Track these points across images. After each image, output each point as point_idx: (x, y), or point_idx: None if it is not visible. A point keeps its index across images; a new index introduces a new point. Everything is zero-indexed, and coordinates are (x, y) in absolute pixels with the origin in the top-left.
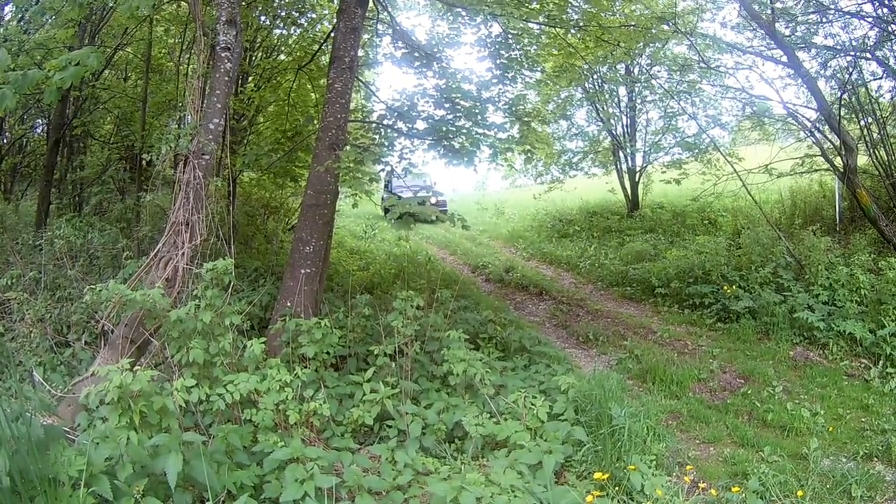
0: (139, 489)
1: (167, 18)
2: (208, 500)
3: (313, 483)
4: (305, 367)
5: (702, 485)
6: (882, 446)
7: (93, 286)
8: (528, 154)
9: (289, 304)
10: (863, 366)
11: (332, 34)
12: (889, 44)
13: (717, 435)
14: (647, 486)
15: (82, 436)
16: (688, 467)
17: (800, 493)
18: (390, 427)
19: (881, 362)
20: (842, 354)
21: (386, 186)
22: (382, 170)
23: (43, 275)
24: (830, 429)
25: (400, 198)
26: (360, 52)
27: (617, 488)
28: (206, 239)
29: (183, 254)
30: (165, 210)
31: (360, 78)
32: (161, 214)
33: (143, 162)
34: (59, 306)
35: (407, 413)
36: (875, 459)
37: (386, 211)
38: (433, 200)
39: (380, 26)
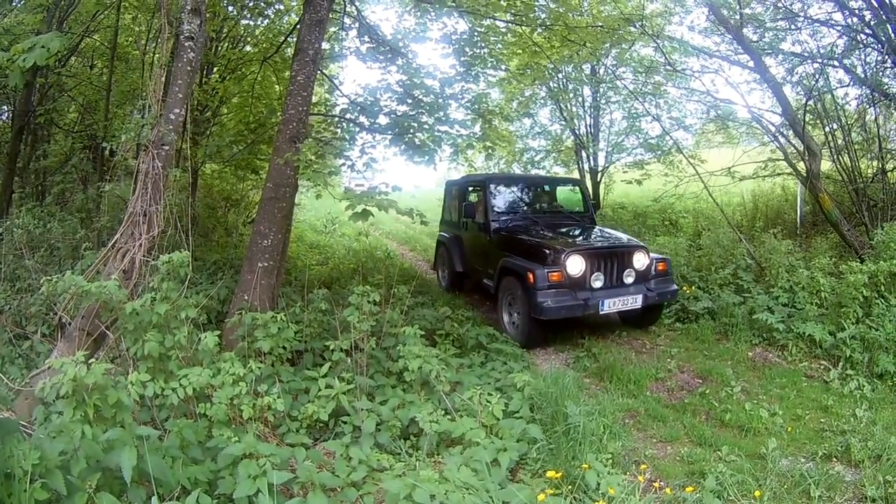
0: (92, 484)
1: (135, 6)
2: (162, 495)
3: (266, 479)
4: (261, 362)
5: (656, 484)
6: (841, 447)
7: (49, 277)
8: (489, 151)
9: (246, 297)
10: (822, 367)
11: (298, 26)
12: (857, 52)
13: (674, 434)
14: (603, 484)
15: (39, 429)
16: (643, 466)
17: (757, 492)
18: (345, 423)
19: (841, 364)
20: (801, 356)
21: None
22: (343, 164)
23: (2, 265)
24: (789, 429)
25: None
26: (326, 45)
27: (571, 486)
28: (164, 231)
29: (140, 245)
30: (125, 201)
31: (325, 71)
32: (121, 205)
33: (106, 151)
34: (17, 298)
35: (362, 409)
36: (834, 460)
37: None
38: None
39: (346, 19)
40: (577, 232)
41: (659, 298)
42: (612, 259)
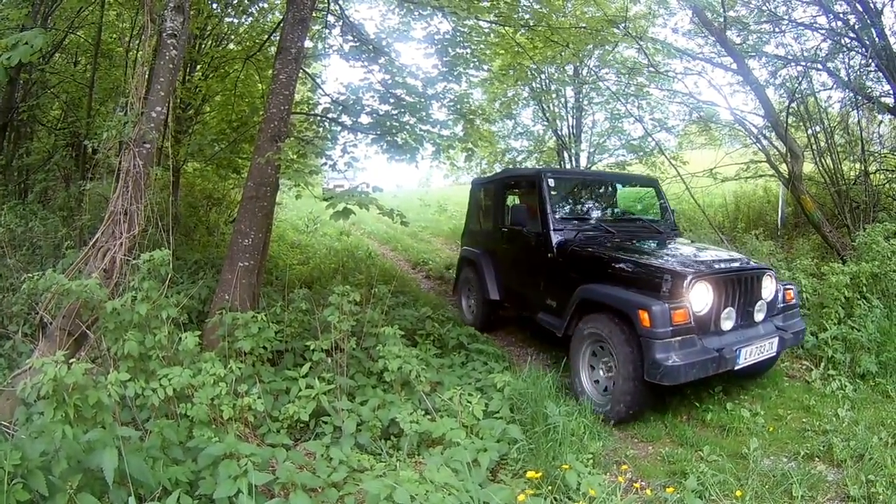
0: (73, 485)
1: (119, 2)
2: (143, 496)
3: (247, 479)
4: (242, 362)
5: (637, 484)
6: (823, 446)
7: (30, 276)
8: (470, 152)
9: (226, 297)
10: (804, 368)
11: (281, 24)
12: (841, 56)
13: (655, 434)
14: (583, 484)
15: (20, 430)
16: (624, 466)
17: (739, 492)
18: (326, 423)
19: (822, 364)
20: (783, 356)
21: None
22: (325, 163)
23: None
24: (771, 429)
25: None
26: (309, 44)
27: (551, 487)
28: (146, 229)
29: (121, 244)
30: (107, 199)
31: (307, 70)
32: (103, 203)
33: (89, 149)
34: None
35: (342, 409)
36: (816, 459)
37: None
38: None
39: (330, 18)
40: (678, 248)
41: (793, 341)
42: (740, 287)
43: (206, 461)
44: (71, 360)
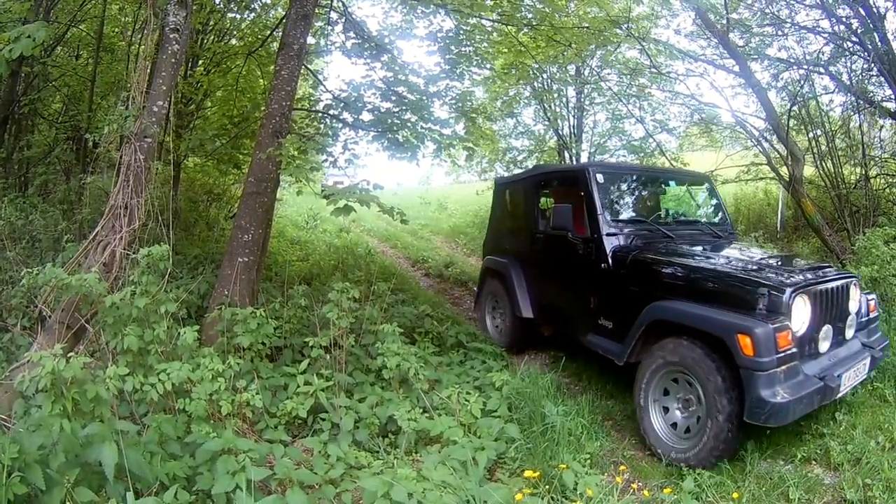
0: (71, 479)
1: None
2: (140, 491)
3: (244, 475)
4: (240, 358)
5: (634, 485)
6: (820, 449)
7: (30, 270)
8: (470, 151)
9: (226, 292)
10: None
11: (284, 20)
12: (843, 59)
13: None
14: (580, 484)
15: (18, 423)
16: (621, 467)
17: (735, 494)
18: (324, 420)
19: None
20: None
21: None
22: (325, 160)
23: None
24: (767, 431)
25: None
26: (311, 40)
27: (548, 486)
28: (146, 224)
29: (121, 238)
30: (108, 193)
31: (309, 66)
32: (104, 197)
33: (89, 143)
34: None
35: (340, 406)
36: (813, 462)
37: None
38: None
39: (333, 14)
40: (753, 254)
41: (880, 359)
42: (832, 299)
43: (204, 456)
44: (69, 354)
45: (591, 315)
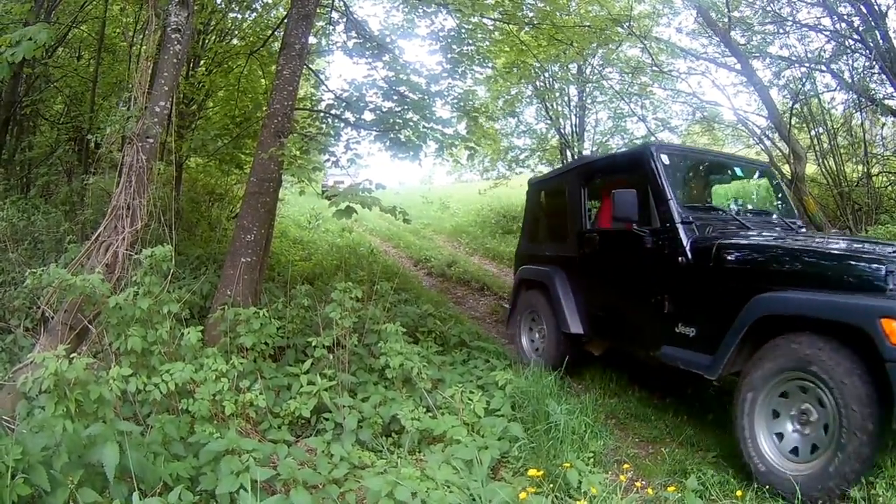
0: (74, 479)
1: None
2: (144, 491)
3: (248, 475)
4: (243, 358)
5: (638, 483)
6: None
7: (34, 271)
8: (472, 150)
9: (228, 292)
10: None
11: (285, 20)
12: (845, 57)
13: (656, 433)
14: (584, 483)
15: (21, 424)
16: (625, 465)
17: (739, 492)
18: (327, 420)
19: None
20: None
21: None
22: (327, 160)
23: None
24: None
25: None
26: (313, 40)
27: (552, 485)
28: (148, 224)
29: (123, 239)
30: (110, 193)
31: (311, 66)
32: (106, 198)
33: (91, 144)
34: (1, 291)
35: (344, 406)
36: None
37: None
38: None
39: (334, 14)
40: (839, 240)
41: None
42: None
43: (208, 457)
44: (72, 355)
45: (665, 322)
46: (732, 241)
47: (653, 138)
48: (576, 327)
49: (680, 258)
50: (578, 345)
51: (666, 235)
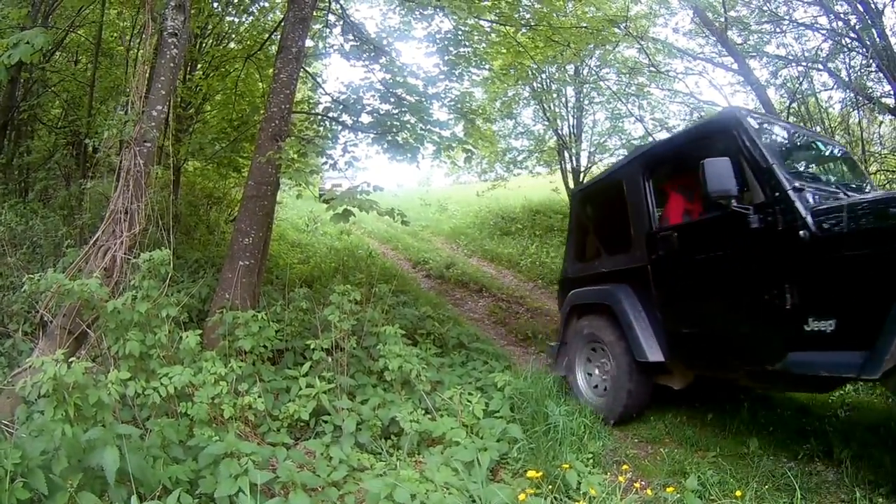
0: (73, 483)
1: (120, 1)
2: (143, 495)
3: (247, 478)
4: (242, 361)
5: (637, 484)
6: (823, 447)
7: (32, 275)
8: (469, 152)
9: (227, 296)
10: None
11: (282, 23)
12: (842, 56)
13: (655, 434)
14: (583, 484)
15: (20, 429)
16: (624, 466)
17: (738, 493)
18: (326, 422)
19: None
20: None
21: None
22: (325, 162)
23: None
24: (771, 429)
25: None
26: (310, 43)
27: (552, 486)
28: (146, 228)
29: (122, 243)
30: (108, 198)
31: (308, 69)
32: (104, 202)
33: (89, 148)
34: None
35: (342, 408)
36: (816, 460)
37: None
38: None
39: (331, 17)
40: None
41: None
42: None
43: (207, 460)
44: (71, 359)
45: (790, 321)
46: (868, 202)
47: (651, 139)
48: (654, 354)
49: (801, 232)
50: (657, 375)
51: (777, 208)
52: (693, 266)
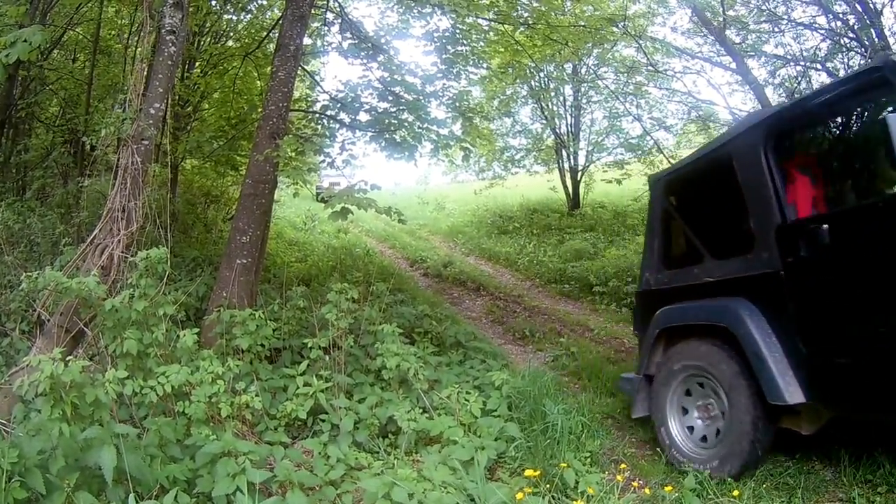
0: (71, 483)
1: None
2: (140, 494)
3: (245, 477)
4: (239, 360)
5: (635, 483)
6: (822, 447)
7: (29, 273)
8: (467, 151)
9: (224, 294)
10: None
11: (280, 21)
12: (840, 55)
13: (653, 433)
14: (581, 483)
15: (17, 428)
16: (622, 465)
17: (736, 492)
18: (323, 421)
19: None
20: None
21: None
22: (323, 161)
23: None
24: None
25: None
26: (308, 41)
27: (549, 485)
28: (143, 226)
29: (119, 241)
30: (106, 196)
31: (306, 67)
32: (101, 200)
33: (87, 146)
34: None
35: (340, 407)
36: (814, 459)
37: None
38: None
39: (329, 15)
40: None
41: None
42: None
43: (204, 459)
44: (68, 358)
45: None
46: None
47: (648, 138)
48: (794, 394)
49: None
50: (783, 420)
51: None
52: (858, 272)
